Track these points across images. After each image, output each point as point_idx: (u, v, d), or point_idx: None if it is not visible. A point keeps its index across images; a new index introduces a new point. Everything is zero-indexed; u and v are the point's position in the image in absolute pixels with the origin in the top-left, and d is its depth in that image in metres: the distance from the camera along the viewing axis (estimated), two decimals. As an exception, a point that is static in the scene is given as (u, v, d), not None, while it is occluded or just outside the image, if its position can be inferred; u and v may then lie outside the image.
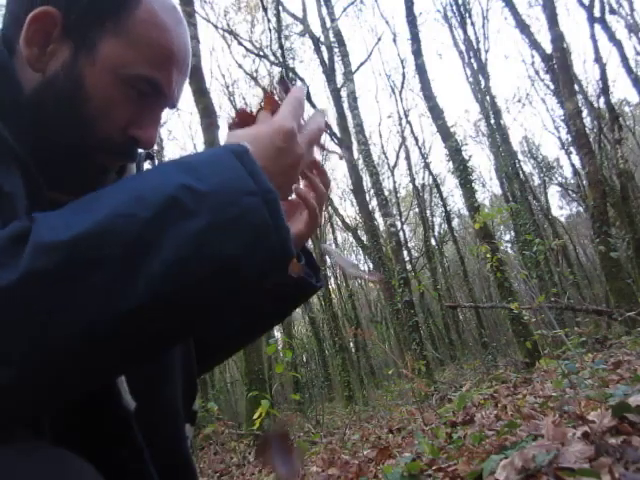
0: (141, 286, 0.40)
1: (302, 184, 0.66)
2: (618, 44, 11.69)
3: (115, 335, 0.40)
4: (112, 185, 0.47)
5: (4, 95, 0.56)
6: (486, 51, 19.50)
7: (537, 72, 18.12)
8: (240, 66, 19.28)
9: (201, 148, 19.15)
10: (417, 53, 9.54)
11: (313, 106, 14.30)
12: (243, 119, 0.59)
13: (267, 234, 0.45)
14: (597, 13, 11.15)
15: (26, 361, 0.38)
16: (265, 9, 14.32)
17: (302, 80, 14.27)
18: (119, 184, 0.47)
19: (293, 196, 0.63)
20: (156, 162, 0.78)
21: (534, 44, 11.61)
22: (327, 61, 13.09)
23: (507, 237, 25.85)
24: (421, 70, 9.53)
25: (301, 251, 0.73)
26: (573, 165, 17.56)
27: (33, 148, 0.58)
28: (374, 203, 14.89)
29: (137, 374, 0.57)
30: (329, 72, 12.84)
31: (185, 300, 0.43)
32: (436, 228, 23.14)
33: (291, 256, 0.48)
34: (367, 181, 12.92)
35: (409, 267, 16.85)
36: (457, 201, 31.00)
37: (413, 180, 20.94)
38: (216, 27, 17.40)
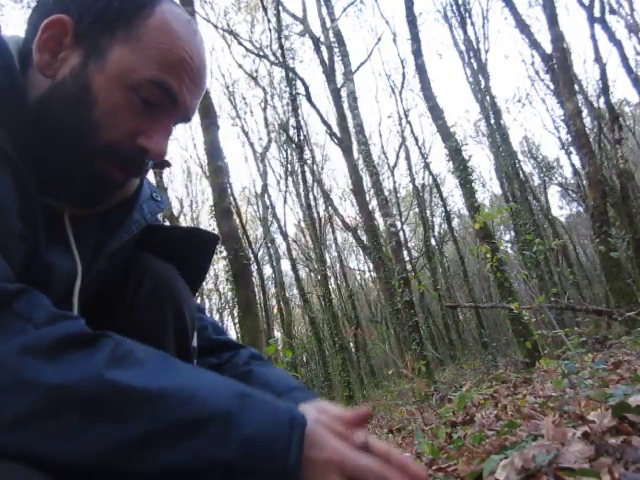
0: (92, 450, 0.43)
1: None
2: (618, 44, 11.68)
3: None
4: (175, 365, 0.51)
5: (7, 99, 0.56)
6: (486, 51, 19.43)
7: (537, 72, 18.13)
8: (240, 66, 19.33)
9: (201, 148, 19.13)
10: (417, 53, 9.54)
11: (313, 106, 14.30)
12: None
13: None
14: (597, 13, 11.15)
15: None
16: (265, 9, 14.32)
17: (302, 80, 14.28)
18: (185, 372, 0.50)
19: None
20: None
21: (534, 44, 11.60)
22: (327, 61, 13.08)
23: (507, 237, 25.86)
24: (421, 70, 9.52)
25: None
26: (573, 165, 17.55)
27: (34, 152, 0.58)
28: (374, 203, 14.89)
29: None
30: (329, 72, 12.84)
31: None
32: (436, 228, 23.14)
33: None
34: (367, 181, 12.93)
35: (409, 267, 16.84)
36: (457, 201, 31.04)
37: (413, 180, 20.94)
38: (216, 27, 17.45)
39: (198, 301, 0.93)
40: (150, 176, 0.84)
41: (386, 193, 14.62)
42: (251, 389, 0.51)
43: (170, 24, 0.61)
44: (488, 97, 15.11)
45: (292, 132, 14.51)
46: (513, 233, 16.35)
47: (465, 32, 15.37)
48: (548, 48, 9.73)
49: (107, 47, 0.59)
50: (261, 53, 17.03)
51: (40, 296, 0.50)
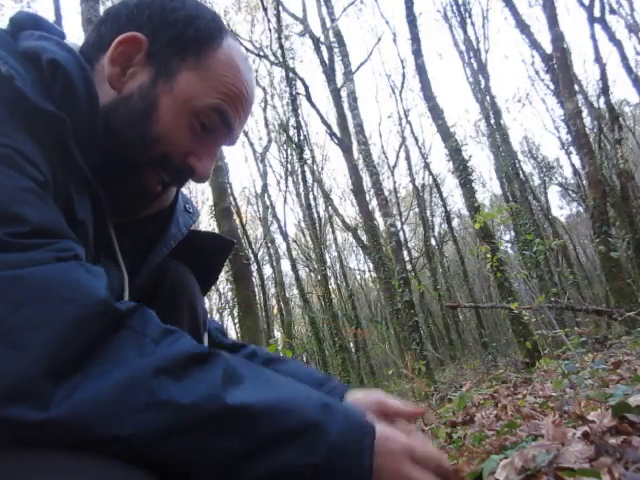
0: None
1: None
2: (618, 44, 11.69)
3: None
4: (282, 374, 0.57)
5: (86, 119, 0.58)
6: (486, 51, 19.48)
7: (537, 72, 18.11)
8: (240, 66, 19.28)
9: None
10: (417, 53, 9.54)
11: (313, 106, 14.29)
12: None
13: None
14: (597, 13, 11.16)
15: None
16: (265, 9, 14.31)
17: (302, 80, 14.27)
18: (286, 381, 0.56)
19: None
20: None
21: (534, 44, 11.59)
22: (327, 61, 13.08)
23: (507, 237, 25.84)
24: (421, 70, 9.52)
25: None
26: (573, 165, 17.56)
27: (94, 164, 0.59)
28: (374, 203, 14.88)
29: None
30: (329, 72, 12.83)
31: None
32: (436, 228, 23.13)
33: None
34: (367, 181, 12.92)
35: (409, 267, 16.83)
36: (457, 201, 30.98)
37: (413, 180, 20.94)
38: (216, 27, 17.40)
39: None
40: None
41: (386, 193, 14.61)
42: (328, 398, 0.55)
43: (234, 59, 0.66)
44: (488, 97, 15.10)
45: (292, 132, 14.50)
46: (513, 233, 16.36)
47: (465, 32, 15.37)
48: (548, 48, 9.74)
49: (177, 70, 0.63)
50: (261, 53, 17.04)
51: (149, 311, 0.53)
